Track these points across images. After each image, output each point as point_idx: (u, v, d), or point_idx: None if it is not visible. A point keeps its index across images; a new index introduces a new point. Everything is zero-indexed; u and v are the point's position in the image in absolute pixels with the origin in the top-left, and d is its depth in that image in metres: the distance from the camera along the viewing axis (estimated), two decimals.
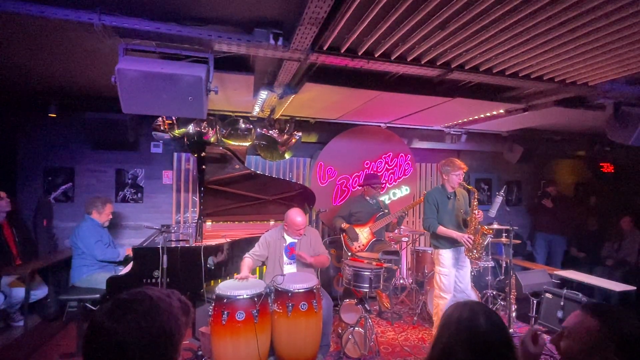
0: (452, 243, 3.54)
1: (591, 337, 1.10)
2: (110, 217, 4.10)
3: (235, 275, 3.19)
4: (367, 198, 4.59)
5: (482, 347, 1.05)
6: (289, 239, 3.41)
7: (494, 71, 2.89)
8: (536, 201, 6.43)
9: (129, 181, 4.98)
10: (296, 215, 3.31)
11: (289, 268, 3.36)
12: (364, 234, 4.39)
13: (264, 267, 3.51)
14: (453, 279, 3.60)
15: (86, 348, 0.90)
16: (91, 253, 3.76)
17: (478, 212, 3.47)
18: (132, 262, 3.27)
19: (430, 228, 3.57)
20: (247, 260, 3.29)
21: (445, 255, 3.58)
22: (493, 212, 3.85)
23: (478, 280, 4.71)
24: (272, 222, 4.69)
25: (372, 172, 5.47)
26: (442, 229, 3.53)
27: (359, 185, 5.30)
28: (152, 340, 0.90)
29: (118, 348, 0.87)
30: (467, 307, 1.14)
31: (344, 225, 4.40)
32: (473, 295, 3.82)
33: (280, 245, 3.38)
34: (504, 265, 4.67)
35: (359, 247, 4.33)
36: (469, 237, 3.39)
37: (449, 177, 3.57)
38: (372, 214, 4.49)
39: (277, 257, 3.36)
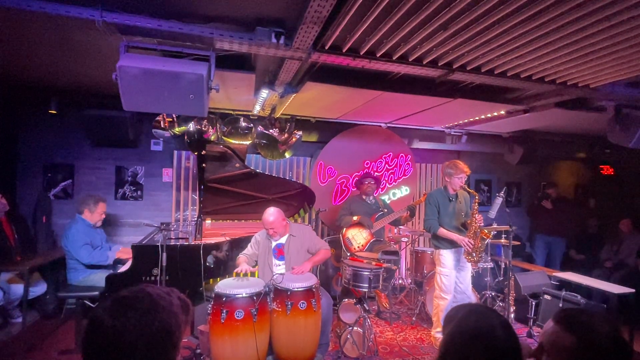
0: (453, 244, 3.56)
1: (570, 354, 1.08)
2: (103, 216, 3.93)
3: (235, 272, 3.17)
4: (364, 197, 4.62)
5: (499, 358, 1.04)
6: (275, 241, 3.34)
7: (496, 72, 2.89)
8: (536, 203, 6.43)
9: (129, 178, 4.98)
10: (268, 215, 3.21)
11: (279, 270, 3.29)
12: (363, 234, 4.39)
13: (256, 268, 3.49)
14: (454, 280, 3.62)
15: (86, 345, 0.89)
16: (78, 257, 3.61)
17: (478, 215, 3.49)
18: (131, 259, 3.26)
19: (430, 229, 3.60)
20: (242, 258, 3.30)
21: (446, 255, 3.60)
22: (493, 213, 3.85)
23: (477, 281, 4.71)
24: None
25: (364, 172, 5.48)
26: (442, 231, 3.55)
27: (353, 188, 5.33)
28: (153, 338, 0.90)
29: (118, 345, 0.87)
30: (482, 315, 1.10)
31: (356, 217, 4.40)
32: (473, 297, 3.83)
33: (267, 245, 3.33)
34: (503, 266, 4.67)
35: (358, 247, 4.33)
36: (469, 241, 3.42)
37: (451, 180, 3.59)
38: (371, 214, 4.50)
39: (266, 258, 3.32)
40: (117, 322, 0.88)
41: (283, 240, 3.34)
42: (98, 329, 0.89)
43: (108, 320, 0.88)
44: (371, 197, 4.66)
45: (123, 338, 0.87)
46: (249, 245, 3.41)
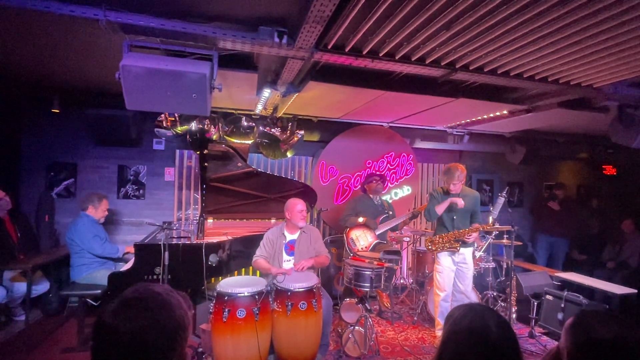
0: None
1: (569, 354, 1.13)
2: (106, 213, 4.01)
3: (275, 271, 3.13)
4: (371, 196, 4.62)
5: (493, 357, 1.05)
6: (289, 236, 3.42)
7: (499, 72, 2.88)
8: (543, 203, 6.40)
9: (131, 177, 4.99)
10: (296, 202, 3.41)
11: (288, 265, 3.35)
12: (367, 235, 4.38)
13: None
14: (448, 278, 3.67)
15: (100, 352, 0.88)
16: (89, 249, 3.65)
17: (470, 235, 3.59)
18: (133, 258, 3.27)
19: (429, 213, 3.80)
20: (262, 260, 3.31)
21: (442, 254, 3.68)
22: (495, 213, 3.85)
23: (479, 281, 4.71)
24: (273, 221, 4.69)
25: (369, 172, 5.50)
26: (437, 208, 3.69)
27: (355, 188, 5.35)
28: (170, 335, 0.91)
29: (137, 347, 0.87)
30: (478, 314, 1.11)
31: (362, 219, 4.43)
32: (473, 297, 3.83)
33: (280, 242, 3.39)
34: (504, 266, 4.66)
35: (362, 248, 4.33)
36: (440, 237, 3.63)
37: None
38: (377, 215, 4.50)
39: (277, 254, 3.37)
40: (134, 325, 0.87)
41: (295, 236, 3.41)
42: (112, 335, 0.87)
43: (122, 325, 0.87)
44: (377, 198, 4.66)
45: (141, 339, 0.87)
46: (262, 245, 3.40)
